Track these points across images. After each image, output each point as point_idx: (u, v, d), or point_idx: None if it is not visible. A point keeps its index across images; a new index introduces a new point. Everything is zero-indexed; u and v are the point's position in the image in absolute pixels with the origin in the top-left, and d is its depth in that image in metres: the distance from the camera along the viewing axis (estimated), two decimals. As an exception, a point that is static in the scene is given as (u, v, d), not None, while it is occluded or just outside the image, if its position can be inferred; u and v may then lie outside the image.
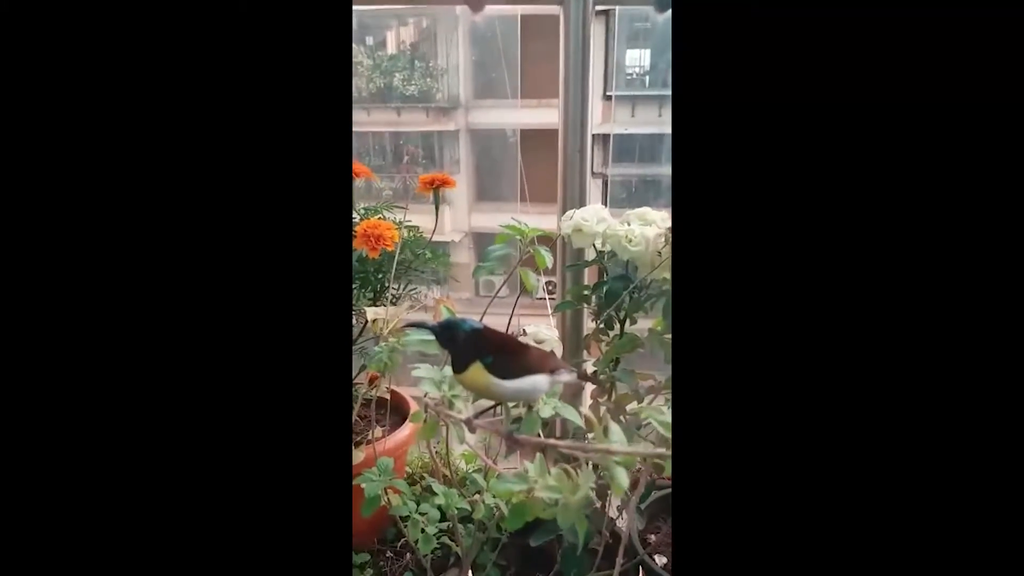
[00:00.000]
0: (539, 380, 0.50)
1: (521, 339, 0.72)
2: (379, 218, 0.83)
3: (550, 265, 0.70)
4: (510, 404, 0.55)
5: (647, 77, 2.17)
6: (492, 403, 0.54)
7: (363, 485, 0.66)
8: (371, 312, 0.78)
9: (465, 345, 0.48)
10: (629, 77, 2.15)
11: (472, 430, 0.50)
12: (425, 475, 0.94)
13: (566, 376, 0.51)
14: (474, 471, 0.86)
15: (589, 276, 0.92)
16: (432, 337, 0.49)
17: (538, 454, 0.46)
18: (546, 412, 0.53)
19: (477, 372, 0.48)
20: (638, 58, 2.17)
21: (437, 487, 0.63)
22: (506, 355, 0.49)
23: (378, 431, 0.77)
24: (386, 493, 0.69)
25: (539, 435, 0.53)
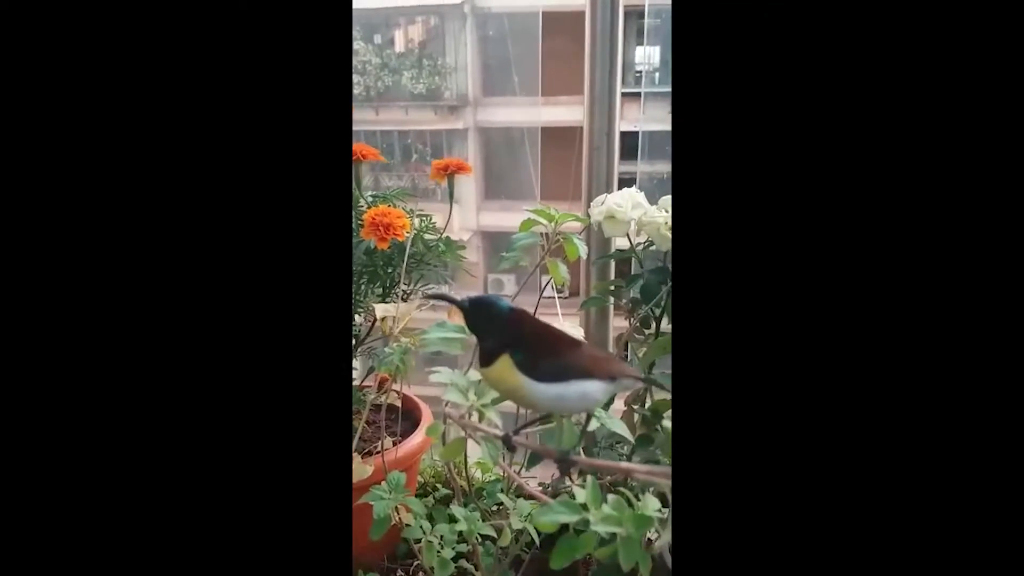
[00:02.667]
0: (591, 388, 0.38)
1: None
2: (389, 206, 0.73)
3: (584, 255, 0.59)
4: (563, 416, 0.43)
5: (656, 74, 2.08)
6: (538, 415, 0.42)
7: (372, 503, 0.56)
8: (380, 309, 0.68)
9: (495, 331, 0.37)
10: (638, 74, 2.05)
11: (511, 448, 0.39)
12: (439, 485, 0.84)
13: (628, 383, 0.40)
14: (492, 480, 0.76)
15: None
16: (455, 335, 0.38)
17: (590, 477, 0.36)
18: (590, 424, 0.42)
19: (504, 368, 0.37)
20: (647, 55, 2.08)
21: (457, 510, 0.53)
22: (546, 351, 0.38)
23: (388, 442, 0.66)
24: (397, 511, 0.59)
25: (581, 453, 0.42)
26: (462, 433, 0.40)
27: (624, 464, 0.33)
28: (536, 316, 0.39)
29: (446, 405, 0.40)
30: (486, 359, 0.38)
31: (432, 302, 0.82)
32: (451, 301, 0.40)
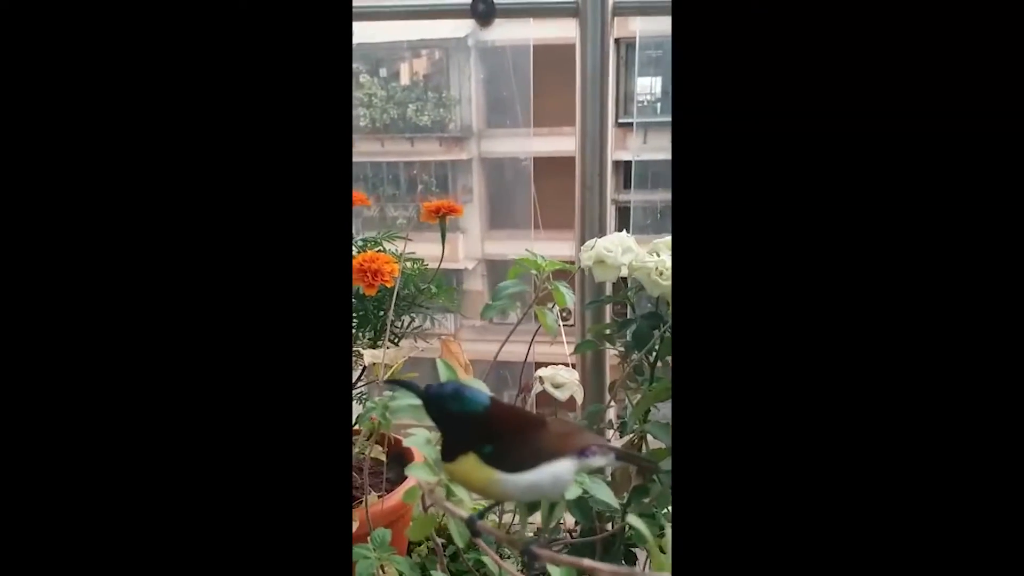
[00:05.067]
0: (561, 469, 0.35)
1: (546, 408, 0.58)
2: (378, 250, 0.72)
3: (571, 305, 0.57)
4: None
5: (659, 104, 2.07)
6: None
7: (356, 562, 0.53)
8: (369, 355, 0.66)
9: (458, 427, 0.34)
10: (641, 104, 2.05)
11: (475, 533, 0.36)
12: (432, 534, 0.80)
13: (600, 460, 0.37)
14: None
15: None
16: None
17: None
18: (572, 493, 0.39)
19: (470, 465, 0.33)
20: (649, 85, 2.08)
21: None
22: (516, 439, 0.34)
23: (373, 496, 0.64)
24: (383, 569, 0.56)
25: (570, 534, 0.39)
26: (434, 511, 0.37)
27: (587, 562, 0.30)
28: (503, 404, 0.35)
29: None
30: (448, 454, 0.34)
31: (425, 345, 0.80)
32: (412, 390, 0.35)
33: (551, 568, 0.33)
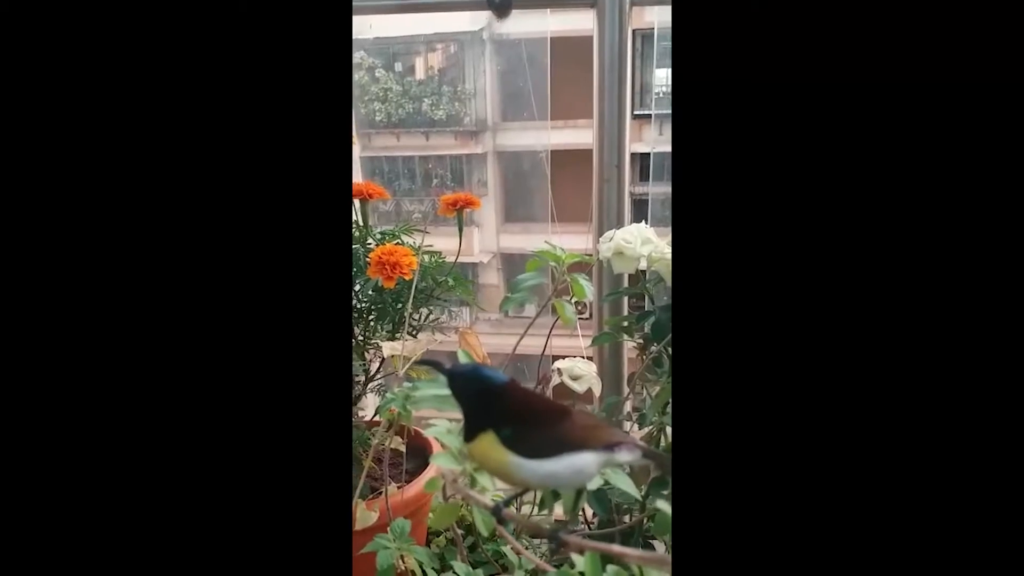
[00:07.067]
0: (583, 461, 0.35)
1: (563, 400, 0.58)
2: (397, 243, 0.72)
3: (591, 297, 0.57)
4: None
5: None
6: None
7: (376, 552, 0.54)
8: (387, 347, 0.66)
9: (478, 405, 0.35)
10: (658, 96, 2.03)
11: (501, 521, 0.36)
12: (452, 526, 0.81)
13: (627, 455, 0.37)
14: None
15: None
16: (448, 391, 0.36)
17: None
18: (593, 483, 0.39)
19: (488, 445, 0.34)
20: (666, 77, 2.06)
21: (459, 567, 0.51)
22: (536, 425, 0.34)
23: (393, 487, 0.64)
24: (403, 559, 0.57)
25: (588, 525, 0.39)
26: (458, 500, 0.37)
27: (616, 547, 0.30)
28: (522, 387, 0.36)
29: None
30: (468, 434, 0.35)
31: (442, 337, 0.81)
32: (437, 368, 0.37)
33: (576, 557, 0.33)
